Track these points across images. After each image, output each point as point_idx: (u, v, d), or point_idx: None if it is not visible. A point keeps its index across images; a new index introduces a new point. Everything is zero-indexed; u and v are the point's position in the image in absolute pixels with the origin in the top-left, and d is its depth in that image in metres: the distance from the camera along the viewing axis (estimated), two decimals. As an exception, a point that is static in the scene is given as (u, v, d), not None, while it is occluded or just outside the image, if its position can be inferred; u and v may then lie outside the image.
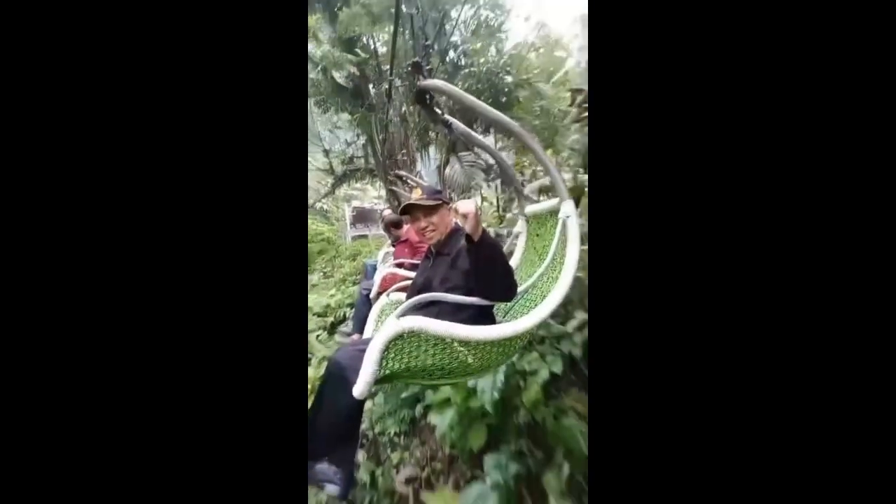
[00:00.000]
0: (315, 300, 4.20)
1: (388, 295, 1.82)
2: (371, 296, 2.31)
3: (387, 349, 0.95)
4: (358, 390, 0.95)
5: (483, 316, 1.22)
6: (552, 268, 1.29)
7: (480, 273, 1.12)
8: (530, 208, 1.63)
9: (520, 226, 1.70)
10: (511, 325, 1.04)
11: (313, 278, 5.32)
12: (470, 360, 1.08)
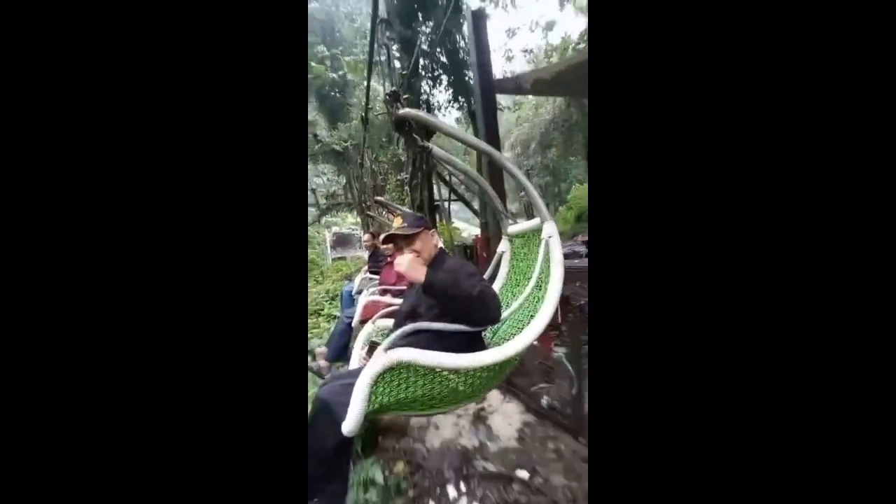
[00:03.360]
0: (321, 288, 6.44)
1: (373, 322, 1.80)
2: (353, 324, 2.26)
3: (375, 383, 0.93)
4: (347, 427, 0.92)
5: (471, 341, 1.21)
6: (538, 287, 1.30)
7: (447, 309, 1.15)
8: (513, 228, 1.65)
9: (503, 245, 1.71)
10: (499, 350, 1.03)
11: (309, 284, 7.46)
12: (461, 387, 1.06)
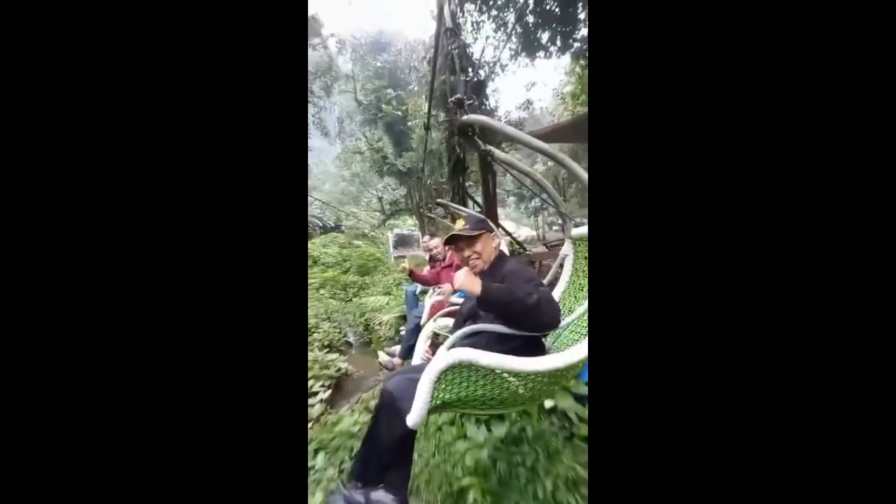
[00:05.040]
0: (389, 277, 8.11)
1: (434, 320, 1.86)
2: (421, 323, 2.35)
3: (438, 380, 0.97)
4: (412, 420, 0.97)
5: (531, 345, 1.21)
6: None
7: (505, 320, 1.17)
8: (576, 231, 1.62)
9: (566, 248, 1.68)
10: (560, 356, 1.02)
11: (378, 277, 9.19)
12: (521, 390, 1.07)
